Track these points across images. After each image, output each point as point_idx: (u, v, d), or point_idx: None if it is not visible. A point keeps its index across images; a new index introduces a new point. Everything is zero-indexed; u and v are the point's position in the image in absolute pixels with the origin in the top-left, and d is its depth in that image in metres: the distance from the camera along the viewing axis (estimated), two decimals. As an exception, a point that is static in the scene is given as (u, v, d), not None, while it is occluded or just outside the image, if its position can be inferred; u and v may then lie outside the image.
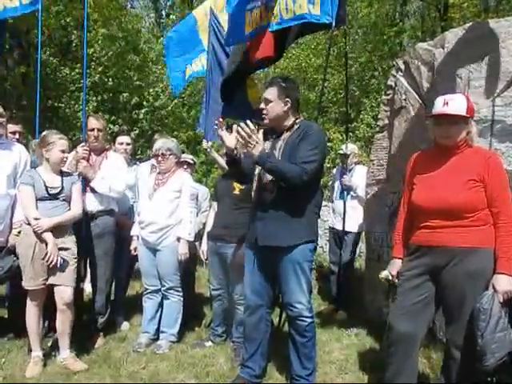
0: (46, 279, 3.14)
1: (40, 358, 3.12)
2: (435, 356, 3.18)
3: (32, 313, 3.14)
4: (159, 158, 3.67)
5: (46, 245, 3.09)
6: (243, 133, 2.56)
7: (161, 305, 3.73)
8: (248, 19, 3.97)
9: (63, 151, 3.21)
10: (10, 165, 3.38)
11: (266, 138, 2.85)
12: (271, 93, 2.79)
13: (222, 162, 4.62)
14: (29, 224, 3.12)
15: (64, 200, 3.24)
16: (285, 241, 2.70)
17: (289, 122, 2.83)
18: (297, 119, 2.85)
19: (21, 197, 3.21)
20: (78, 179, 3.45)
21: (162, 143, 3.71)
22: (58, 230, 3.15)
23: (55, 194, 3.19)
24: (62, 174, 3.30)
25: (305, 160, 2.63)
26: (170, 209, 3.62)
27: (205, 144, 4.72)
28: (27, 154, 3.56)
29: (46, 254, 3.07)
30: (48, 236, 3.09)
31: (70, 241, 3.24)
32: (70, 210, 3.26)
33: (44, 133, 3.36)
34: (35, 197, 3.14)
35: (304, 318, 2.77)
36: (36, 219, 3.07)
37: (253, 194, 2.96)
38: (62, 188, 3.22)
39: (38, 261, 3.09)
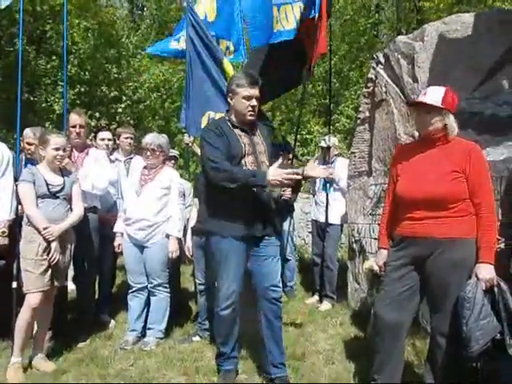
0: (50, 282, 3.08)
1: (20, 363, 3.01)
2: (419, 343, 3.26)
3: (25, 318, 3.00)
4: (148, 153, 3.60)
5: (48, 246, 3.05)
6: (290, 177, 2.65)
7: (147, 302, 3.70)
8: (276, 16, 3.95)
9: (57, 149, 3.15)
10: None
11: (243, 130, 2.92)
12: (258, 91, 2.87)
13: None
14: (30, 225, 3.05)
15: (64, 199, 3.20)
16: (277, 228, 2.98)
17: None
18: None
19: (21, 194, 3.12)
20: (76, 178, 3.40)
21: (152, 138, 3.63)
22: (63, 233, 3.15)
23: (56, 192, 3.15)
24: (62, 172, 3.26)
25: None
26: (159, 206, 3.59)
27: (186, 139, 4.70)
28: (9, 152, 3.45)
29: (49, 254, 3.04)
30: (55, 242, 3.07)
31: (70, 240, 3.25)
32: (69, 209, 3.24)
33: (41, 131, 3.34)
34: (35, 194, 3.08)
35: (281, 300, 2.93)
36: (45, 228, 3.01)
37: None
38: (63, 187, 3.19)
39: (43, 264, 3.03)
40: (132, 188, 3.68)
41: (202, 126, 4.71)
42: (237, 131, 2.88)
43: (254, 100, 2.85)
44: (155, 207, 3.57)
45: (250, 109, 2.85)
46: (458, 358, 2.32)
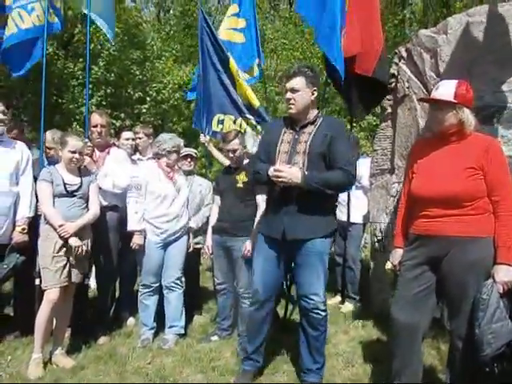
0: (68, 278, 3.13)
1: (41, 359, 3.08)
2: (443, 347, 3.15)
3: (45, 314, 3.06)
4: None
5: (65, 243, 3.10)
6: (279, 174, 2.60)
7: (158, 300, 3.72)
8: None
9: (73, 152, 3.20)
10: (12, 162, 3.37)
11: (292, 128, 2.84)
12: (298, 82, 2.75)
13: (220, 156, 4.66)
14: (47, 223, 3.12)
15: (81, 198, 3.25)
16: (314, 233, 2.71)
17: (312, 115, 2.82)
18: (318, 112, 2.87)
19: (39, 193, 3.21)
20: (95, 178, 3.45)
21: (175, 140, 3.72)
22: (79, 230, 3.18)
23: (73, 192, 3.21)
24: (80, 172, 3.33)
25: (349, 161, 2.68)
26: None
27: (202, 138, 4.77)
28: (28, 151, 3.55)
29: (69, 251, 3.10)
30: (72, 238, 3.12)
31: (87, 238, 3.28)
32: (86, 207, 3.29)
33: (62, 133, 3.43)
34: (53, 193, 3.15)
35: (319, 311, 2.75)
36: (61, 225, 3.07)
37: (268, 188, 2.90)
38: (81, 186, 3.25)
39: (60, 260, 3.09)
40: (168, 184, 3.67)
41: (213, 128, 4.83)
42: (288, 128, 2.85)
43: (288, 93, 2.78)
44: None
45: (287, 102, 2.80)
46: (475, 362, 2.20)
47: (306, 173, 2.62)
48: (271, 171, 2.64)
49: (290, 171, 2.61)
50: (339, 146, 2.67)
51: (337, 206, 2.93)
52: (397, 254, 2.60)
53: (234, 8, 5.41)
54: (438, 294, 2.42)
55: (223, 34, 5.30)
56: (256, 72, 5.24)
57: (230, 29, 5.33)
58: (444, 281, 2.34)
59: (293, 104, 2.76)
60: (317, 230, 2.71)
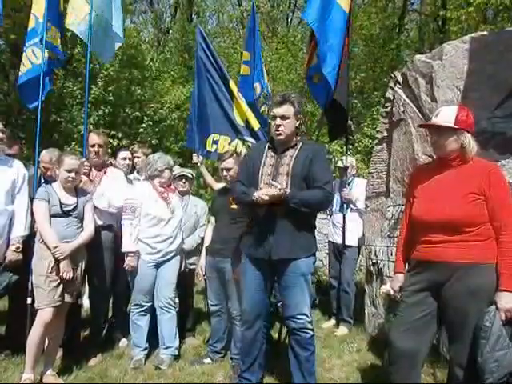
0: (61, 298, 3.10)
1: (31, 380, 3.02)
2: (439, 373, 3.11)
3: (37, 333, 3.03)
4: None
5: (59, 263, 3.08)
6: (267, 198, 2.67)
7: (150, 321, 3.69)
8: None
9: (69, 171, 3.21)
10: (8, 181, 3.36)
11: (274, 151, 2.95)
12: (287, 110, 2.86)
13: (210, 179, 4.70)
14: (42, 242, 3.11)
15: (76, 217, 3.25)
16: (297, 253, 2.79)
17: (294, 139, 2.93)
18: (298, 136, 2.97)
19: (36, 212, 3.20)
20: (90, 198, 3.45)
21: (168, 160, 3.76)
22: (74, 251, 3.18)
23: (69, 211, 3.20)
24: (76, 191, 3.32)
25: (326, 181, 2.79)
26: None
27: (195, 158, 4.75)
28: (25, 170, 3.54)
29: (61, 271, 3.08)
30: (63, 262, 3.10)
31: (81, 258, 3.27)
32: (81, 227, 3.28)
33: (59, 152, 3.46)
34: (49, 212, 3.14)
35: (307, 330, 2.81)
36: (55, 247, 3.05)
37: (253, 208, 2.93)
38: (77, 206, 3.25)
39: (54, 280, 3.06)
40: (163, 206, 3.67)
41: (207, 148, 4.84)
42: (269, 151, 2.96)
43: (277, 119, 2.86)
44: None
45: (274, 128, 2.88)
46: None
47: (288, 191, 2.72)
48: (256, 194, 2.71)
49: (272, 192, 2.69)
50: (318, 167, 2.81)
51: (315, 227, 2.98)
52: (398, 279, 2.58)
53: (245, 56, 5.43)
54: (439, 321, 2.39)
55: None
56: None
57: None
58: (445, 307, 2.32)
59: (282, 130, 2.86)
60: (300, 250, 2.80)
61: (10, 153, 3.90)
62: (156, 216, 3.60)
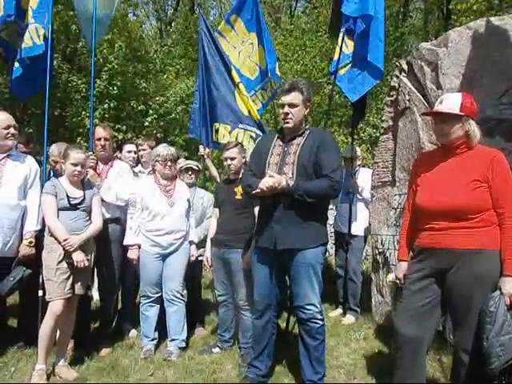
0: (71, 290, 3.15)
1: (44, 370, 3.09)
2: (446, 359, 3.14)
3: (49, 325, 3.08)
4: (169, 164, 3.66)
5: (68, 255, 3.12)
6: (265, 188, 2.67)
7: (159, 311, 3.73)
8: None
9: (75, 164, 3.23)
10: (20, 176, 3.40)
11: (282, 140, 2.96)
12: (297, 97, 2.85)
13: (215, 171, 4.68)
14: (51, 236, 3.15)
15: (84, 210, 3.28)
16: (304, 243, 2.77)
17: (302, 127, 2.93)
18: (306, 125, 2.98)
19: (44, 206, 3.24)
20: (98, 191, 3.48)
21: (167, 149, 3.70)
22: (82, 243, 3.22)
23: (76, 205, 3.24)
24: (83, 185, 3.35)
25: (333, 169, 2.74)
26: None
27: (202, 150, 4.71)
28: (37, 165, 3.57)
29: (73, 263, 3.12)
30: (75, 253, 3.14)
31: (90, 251, 3.31)
32: (89, 220, 3.31)
33: (66, 146, 3.46)
34: (57, 206, 3.18)
35: (316, 320, 2.82)
36: (65, 239, 3.09)
37: (260, 199, 2.96)
38: (84, 199, 3.28)
39: (64, 272, 3.11)
40: (161, 200, 3.67)
41: (213, 138, 4.77)
42: (278, 141, 2.96)
43: (286, 107, 2.85)
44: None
45: (282, 116, 2.88)
46: (481, 375, 2.20)
47: (292, 182, 2.71)
48: (262, 184, 2.70)
49: (277, 178, 2.69)
50: (325, 155, 2.77)
51: (327, 218, 2.98)
52: (401, 267, 2.60)
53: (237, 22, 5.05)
54: (443, 307, 2.41)
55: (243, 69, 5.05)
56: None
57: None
58: (449, 293, 2.34)
59: (290, 118, 2.85)
60: (306, 241, 2.77)
61: (26, 151, 3.95)
62: (154, 210, 3.62)
